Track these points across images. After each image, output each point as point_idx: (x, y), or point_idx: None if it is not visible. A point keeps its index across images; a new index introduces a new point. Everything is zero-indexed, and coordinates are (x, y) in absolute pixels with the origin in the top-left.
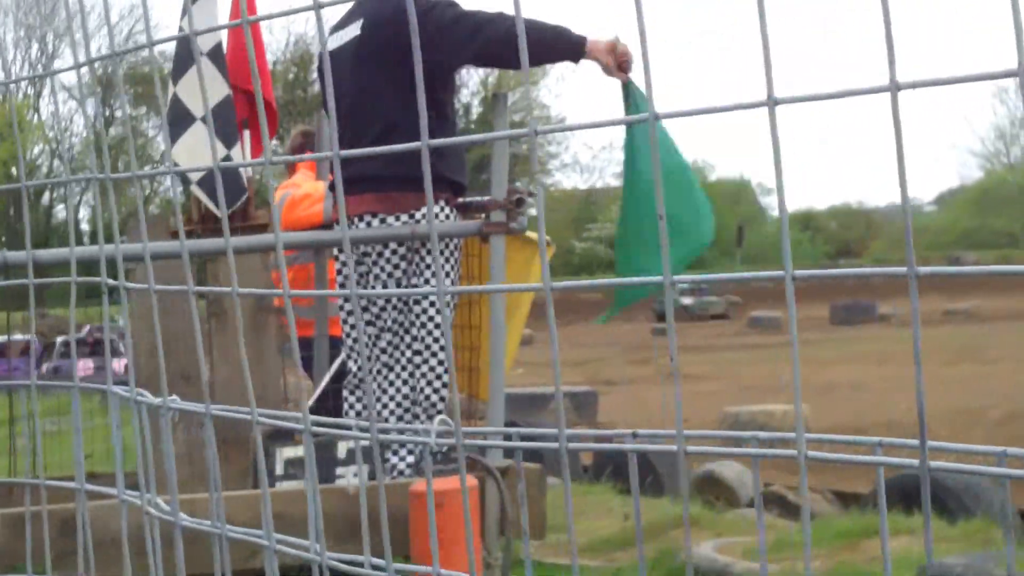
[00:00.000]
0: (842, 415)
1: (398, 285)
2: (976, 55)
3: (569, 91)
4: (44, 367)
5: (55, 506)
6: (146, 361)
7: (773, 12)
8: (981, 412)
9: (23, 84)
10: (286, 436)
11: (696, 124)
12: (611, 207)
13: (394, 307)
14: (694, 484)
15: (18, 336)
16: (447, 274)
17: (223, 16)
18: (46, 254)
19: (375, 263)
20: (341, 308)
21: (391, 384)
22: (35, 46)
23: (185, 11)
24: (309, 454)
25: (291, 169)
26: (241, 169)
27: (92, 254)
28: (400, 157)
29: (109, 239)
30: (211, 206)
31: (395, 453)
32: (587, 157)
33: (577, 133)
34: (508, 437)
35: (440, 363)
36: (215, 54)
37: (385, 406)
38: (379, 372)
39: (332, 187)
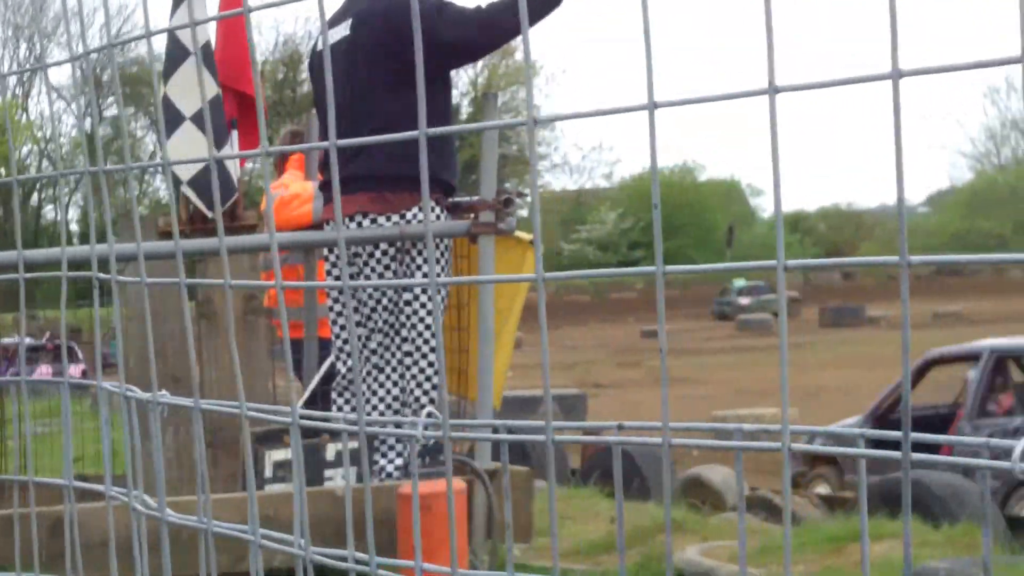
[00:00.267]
0: (831, 418)
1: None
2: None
3: (559, 92)
4: (10, 371)
5: (45, 508)
6: (136, 363)
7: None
8: None
9: (11, 83)
10: (275, 439)
11: (686, 125)
12: (600, 208)
13: (384, 308)
14: (680, 488)
15: (12, 339)
16: (437, 275)
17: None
18: (36, 253)
19: (366, 263)
20: (331, 309)
21: (381, 385)
22: (23, 46)
23: (174, 10)
24: (296, 448)
25: (280, 170)
26: (231, 169)
27: (83, 253)
28: (393, 157)
29: (101, 237)
30: (201, 206)
31: (384, 456)
32: (577, 158)
33: (568, 134)
34: (496, 432)
35: (430, 364)
36: (204, 54)
37: (375, 407)
38: (369, 373)
39: (322, 187)
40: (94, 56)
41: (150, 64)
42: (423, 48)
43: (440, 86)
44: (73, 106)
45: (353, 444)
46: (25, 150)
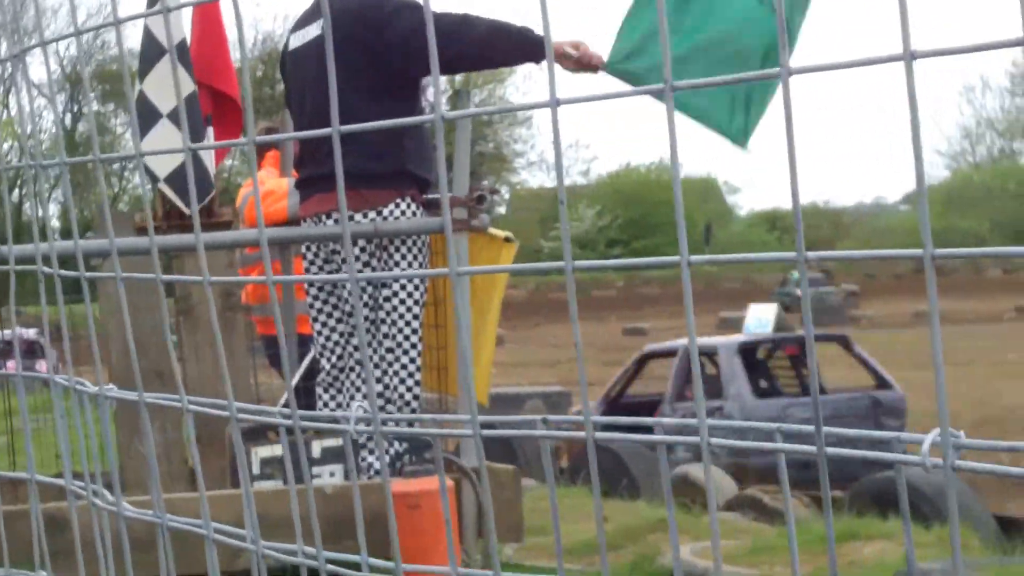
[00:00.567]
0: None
1: (368, 283)
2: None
3: (537, 89)
4: None
5: (24, 506)
6: (119, 359)
7: None
8: (955, 416)
9: None
10: (261, 435)
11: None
12: (578, 206)
13: (364, 304)
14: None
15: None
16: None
17: (186, 18)
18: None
19: (344, 261)
20: (311, 306)
21: (364, 382)
22: (3, 44)
23: (149, 6)
24: (284, 447)
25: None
26: (207, 166)
27: (64, 249)
28: (369, 155)
29: (67, 233)
30: (178, 202)
31: (371, 452)
32: (553, 156)
33: (544, 131)
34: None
35: (412, 361)
36: (179, 51)
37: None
38: (352, 370)
39: (297, 184)
40: (73, 52)
41: (121, 55)
42: (395, 52)
43: (412, 89)
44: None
45: (337, 442)
46: (6, 146)
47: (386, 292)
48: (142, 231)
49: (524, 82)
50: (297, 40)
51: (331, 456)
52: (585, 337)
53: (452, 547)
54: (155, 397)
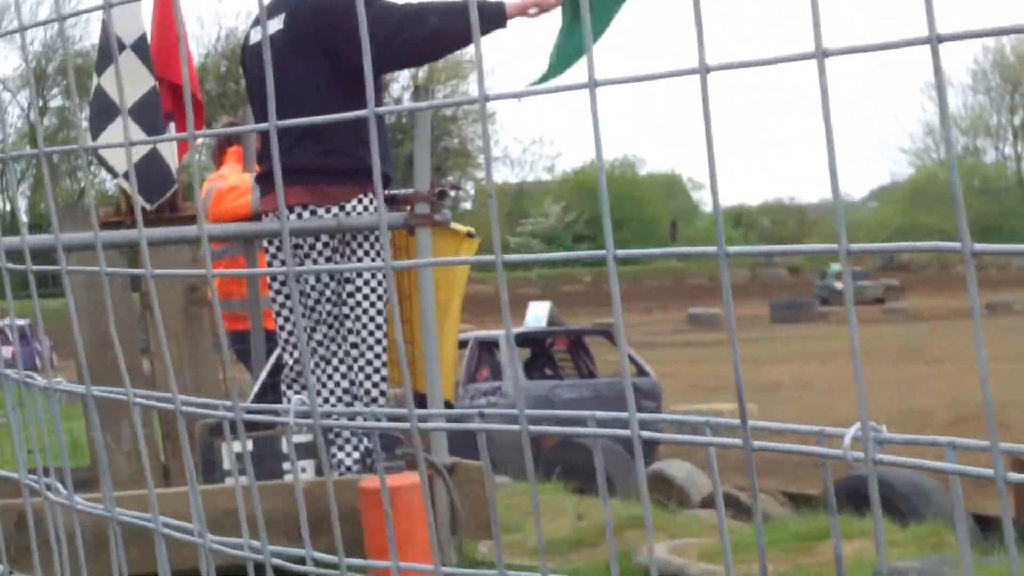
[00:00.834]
0: (789, 414)
1: (331, 278)
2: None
3: (498, 85)
4: None
5: (9, 501)
6: (89, 357)
7: None
8: (929, 414)
9: None
10: (232, 430)
11: (626, 119)
12: (543, 201)
13: (328, 299)
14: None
15: None
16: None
17: (146, 13)
18: None
19: (307, 255)
20: (274, 300)
21: (329, 378)
22: None
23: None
24: (242, 442)
25: (218, 162)
26: (168, 161)
27: (15, 244)
28: (330, 150)
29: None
30: (136, 197)
31: (340, 448)
32: (517, 151)
33: (508, 127)
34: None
35: (378, 356)
36: (139, 46)
37: (325, 400)
38: (317, 365)
39: (259, 179)
40: (39, 49)
41: (65, 50)
42: (353, 46)
43: (374, 84)
44: (19, 97)
45: (306, 437)
46: None
47: (350, 287)
48: (106, 225)
49: (488, 77)
50: (257, 35)
51: (301, 451)
52: None
53: (405, 546)
54: (101, 390)
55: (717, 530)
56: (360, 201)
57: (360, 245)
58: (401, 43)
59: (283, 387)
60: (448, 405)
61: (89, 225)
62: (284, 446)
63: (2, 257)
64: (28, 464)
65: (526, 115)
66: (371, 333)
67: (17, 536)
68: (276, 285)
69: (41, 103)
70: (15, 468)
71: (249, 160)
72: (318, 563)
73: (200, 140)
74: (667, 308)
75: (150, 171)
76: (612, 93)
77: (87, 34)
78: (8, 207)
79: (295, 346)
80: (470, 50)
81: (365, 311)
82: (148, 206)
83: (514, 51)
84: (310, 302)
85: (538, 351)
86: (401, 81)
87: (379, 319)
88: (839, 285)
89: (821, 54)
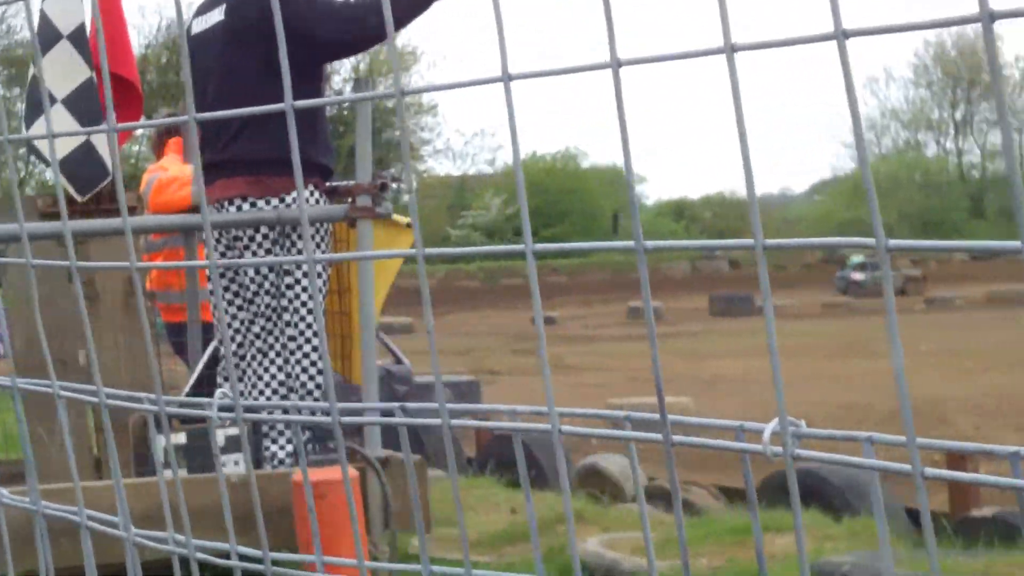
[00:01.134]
0: (727, 408)
1: (270, 270)
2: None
3: (441, 77)
4: None
5: None
6: (23, 345)
7: None
8: (867, 407)
9: None
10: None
11: (568, 111)
12: (484, 194)
13: (267, 292)
14: (577, 477)
15: None
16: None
17: (87, 3)
18: None
19: (247, 247)
20: (212, 293)
21: (266, 370)
22: None
23: None
24: (163, 437)
25: (159, 153)
26: (102, 153)
27: None
28: (271, 141)
29: None
30: (70, 189)
31: (274, 441)
32: (459, 143)
33: (450, 120)
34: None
35: (314, 349)
36: (77, 36)
37: (261, 392)
38: (254, 358)
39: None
40: None
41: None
42: (295, 40)
43: (313, 75)
44: None
45: (235, 430)
46: None
47: (289, 280)
48: (46, 216)
49: (428, 70)
50: (199, 25)
51: (235, 445)
52: (495, 326)
53: (337, 539)
54: (26, 383)
55: (652, 524)
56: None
57: (300, 237)
58: (339, 30)
59: (219, 379)
60: None
61: (30, 215)
62: (220, 439)
63: None
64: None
65: (468, 107)
66: (309, 326)
67: None
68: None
69: None
70: None
71: (190, 151)
72: (244, 558)
73: (140, 131)
74: (608, 301)
75: (84, 163)
76: (550, 86)
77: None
78: None
79: (232, 338)
80: (412, 42)
81: (304, 303)
82: (79, 198)
83: (458, 44)
84: (248, 295)
85: None
86: (342, 73)
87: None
88: (857, 276)
89: (730, 49)
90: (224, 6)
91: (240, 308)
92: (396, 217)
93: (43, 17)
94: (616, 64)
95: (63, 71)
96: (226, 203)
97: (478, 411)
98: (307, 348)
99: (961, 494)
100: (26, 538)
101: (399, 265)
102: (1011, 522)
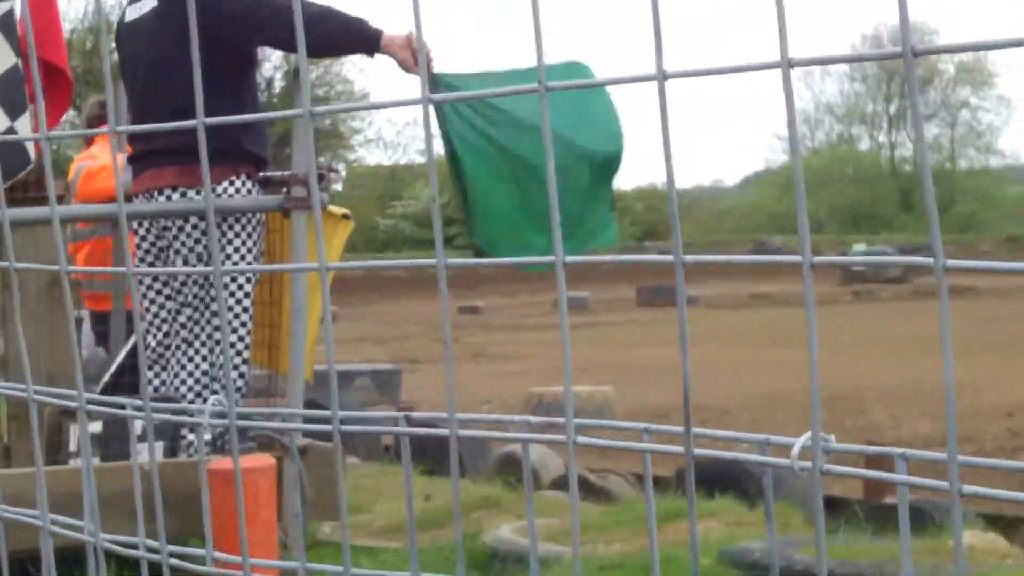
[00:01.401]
0: (649, 398)
1: (199, 260)
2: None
3: (373, 66)
4: None
5: None
6: None
7: None
8: (788, 396)
9: None
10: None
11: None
12: (415, 184)
13: (195, 282)
14: (495, 465)
15: None
16: (249, 250)
17: None
18: None
19: (176, 237)
20: (140, 282)
21: (190, 360)
22: None
23: None
24: (83, 431)
25: (88, 141)
26: (27, 141)
27: None
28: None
29: None
30: None
31: (191, 430)
32: (391, 133)
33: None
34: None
35: (240, 339)
36: (5, 22)
37: (184, 382)
38: (178, 347)
39: (130, 160)
40: None
41: None
42: (227, 26)
43: (247, 64)
44: None
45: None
46: None
47: None
48: None
49: (361, 59)
50: (133, 12)
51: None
52: (420, 315)
53: (248, 527)
54: None
55: (565, 511)
56: (232, 183)
57: (231, 227)
58: (271, 27)
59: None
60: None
61: None
62: (138, 428)
63: None
64: None
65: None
66: (236, 316)
67: None
68: (142, 267)
69: None
70: None
71: (121, 140)
72: (150, 548)
73: (67, 116)
74: (534, 291)
75: (6, 150)
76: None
77: None
78: None
79: (158, 327)
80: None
81: (232, 294)
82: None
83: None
84: (176, 284)
85: None
86: (273, 61)
87: (246, 302)
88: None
89: (661, 76)
90: None
91: (168, 297)
92: (332, 208)
93: None
94: (662, 76)
95: None
96: (156, 193)
97: (306, 414)
98: (233, 338)
99: (875, 481)
100: None
101: (339, 253)
102: (922, 509)
